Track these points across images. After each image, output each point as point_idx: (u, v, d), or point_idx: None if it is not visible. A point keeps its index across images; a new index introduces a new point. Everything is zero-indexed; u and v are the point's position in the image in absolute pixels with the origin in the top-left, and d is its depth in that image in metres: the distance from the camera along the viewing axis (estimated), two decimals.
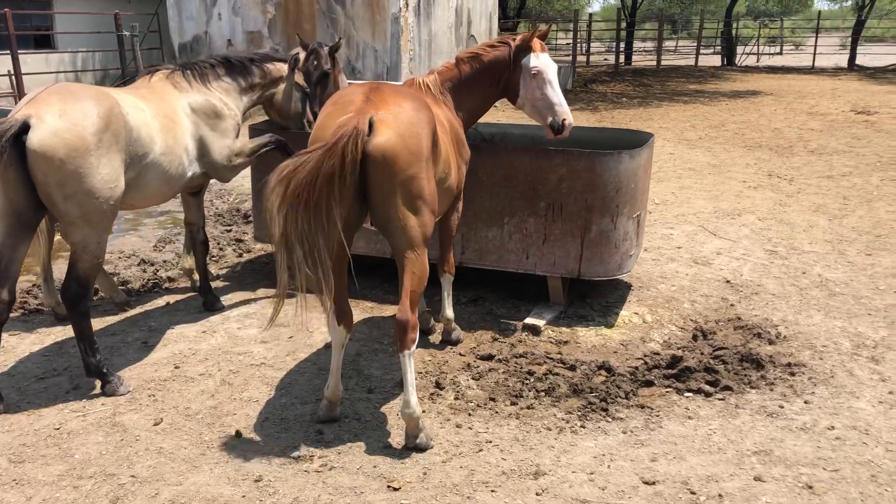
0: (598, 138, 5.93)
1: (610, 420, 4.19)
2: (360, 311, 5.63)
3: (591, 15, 30.86)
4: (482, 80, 4.84)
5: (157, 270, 6.49)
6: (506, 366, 4.82)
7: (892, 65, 28.71)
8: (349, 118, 3.56)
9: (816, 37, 30.54)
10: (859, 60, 29.53)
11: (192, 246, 5.62)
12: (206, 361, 4.84)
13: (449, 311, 5.07)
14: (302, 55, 5.77)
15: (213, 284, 6.03)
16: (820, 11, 32.26)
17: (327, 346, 5.04)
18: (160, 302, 5.82)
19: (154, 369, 4.73)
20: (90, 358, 4.36)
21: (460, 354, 5.00)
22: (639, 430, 4.06)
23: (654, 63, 29.82)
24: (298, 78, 5.68)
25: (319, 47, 6.25)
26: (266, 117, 6.12)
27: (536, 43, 4.78)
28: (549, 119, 4.81)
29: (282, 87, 5.67)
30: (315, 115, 5.76)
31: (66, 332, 5.21)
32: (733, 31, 31.33)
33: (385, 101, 3.71)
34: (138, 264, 6.67)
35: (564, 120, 4.79)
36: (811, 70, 28.23)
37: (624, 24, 29.59)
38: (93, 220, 4.17)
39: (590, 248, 5.24)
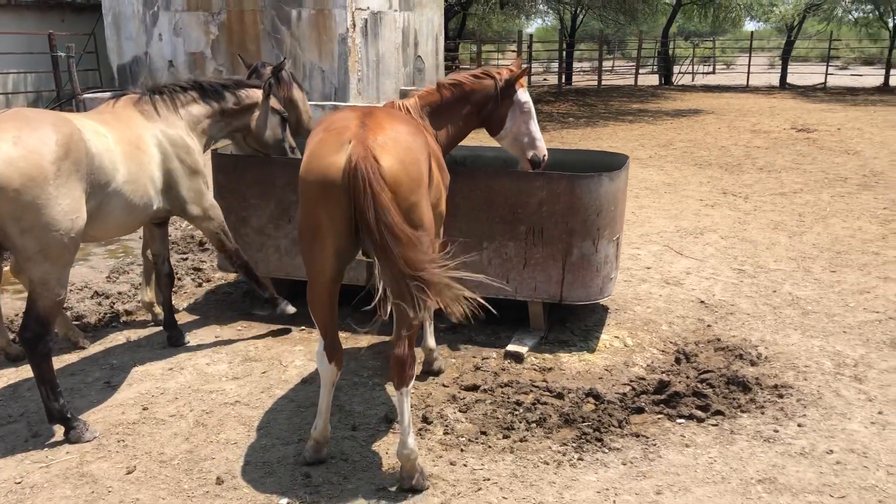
0: (572, 160, 5.85)
1: (607, 451, 4.06)
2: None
3: (531, 35, 31.15)
4: (463, 108, 4.77)
5: (114, 303, 6.15)
6: (492, 396, 4.66)
7: (821, 84, 29.70)
8: (353, 146, 3.37)
9: (750, 56, 31.42)
10: (789, 79, 30.47)
11: (156, 278, 5.33)
12: (176, 401, 4.56)
13: (431, 341, 4.90)
14: (280, 74, 5.61)
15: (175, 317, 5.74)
16: (752, 32, 33.19)
17: (304, 382, 4.81)
18: (120, 338, 5.50)
19: (121, 411, 4.43)
20: (53, 402, 4.05)
21: (443, 385, 4.83)
22: (638, 461, 3.94)
23: (595, 83, 30.26)
24: (275, 103, 5.45)
25: (262, 67, 6.07)
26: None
27: (523, 79, 4.81)
28: (531, 153, 4.95)
29: (256, 114, 5.35)
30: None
31: (19, 373, 4.87)
32: (669, 52, 32.01)
33: (382, 126, 3.54)
34: (92, 297, 6.31)
35: (544, 156, 4.98)
36: (746, 89, 29.01)
37: (563, 45, 29.95)
38: (52, 255, 3.87)
39: (571, 272, 5.13)
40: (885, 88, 28.56)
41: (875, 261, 7.30)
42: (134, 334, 5.56)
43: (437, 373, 4.97)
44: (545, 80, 33.31)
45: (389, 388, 4.77)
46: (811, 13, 28.10)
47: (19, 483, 3.72)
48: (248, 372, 4.94)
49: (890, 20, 31.23)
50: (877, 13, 30.90)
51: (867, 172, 11.61)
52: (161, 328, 5.55)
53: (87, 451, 4.01)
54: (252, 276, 5.34)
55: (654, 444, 4.11)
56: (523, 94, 4.80)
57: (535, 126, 4.89)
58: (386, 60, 17.60)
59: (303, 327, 5.64)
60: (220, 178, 5.67)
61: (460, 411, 4.49)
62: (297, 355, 5.18)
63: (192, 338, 5.42)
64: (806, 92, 27.34)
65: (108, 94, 16.55)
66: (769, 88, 29.20)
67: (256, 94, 5.35)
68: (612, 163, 5.61)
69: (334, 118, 3.69)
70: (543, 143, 4.98)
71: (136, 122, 4.64)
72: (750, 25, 41.86)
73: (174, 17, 17.90)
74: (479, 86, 4.75)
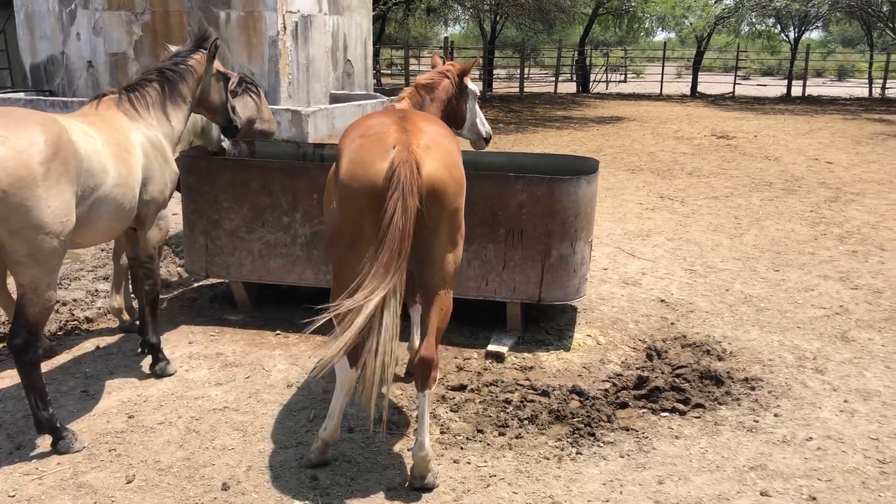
0: (541, 164, 5.98)
1: (602, 445, 4.19)
2: (312, 344, 5.37)
3: (452, 42, 31.41)
4: (436, 107, 4.84)
5: (72, 310, 5.93)
6: (480, 395, 4.73)
7: (729, 93, 31.01)
8: (398, 152, 3.38)
9: (663, 65, 32.56)
10: (698, 88, 31.69)
11: (133, 285, 5.15)
12: (161, 408, 4.44)
13: (418, 342, 4.92)
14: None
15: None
16: (665, 42, 34.40)
17: (289, 386, 4.77)
18: (88, 345, 5.31)
19: (105, 420, 4.29)
20: (42, 412, 3.90)
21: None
22: (635, 454, 4.08)
23: (515, 90, 30.75)
24: (218, 65, 5.29)
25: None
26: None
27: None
28: (484, 132, 5.07)
29: (203, 79, 5.06)
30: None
31: None
32: (587, 60, 32.82)
33: (421, 130, 3.56)
34: None
35: (489, 131, 5.15)
36: (660, 97, 30.01)
37: (483, 52, 30.32)
38: (42, 259, 3.74)
39: (550, 273, 5.26)
40: (787, 98, 30.04)
41: (812, 260, 7.71)
42: (103, 341, 5.37)
43: None
44: None
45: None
46: (721, 24, 29.29)
47: (13, 496, 3.58)
48: (231, 377, 4.86)
49: (791, 33, 32.91)
50: (778, 27, 32.52)
51: (789, 178, 12.21)
52: (132, 333, 5.40)
53: (78, 461, 3.88)
54: (155, 312, 4.89)
55: (647, 437, 4.26)
56: (472, 84, 4.93)
57: (479, 108, 5.05)
58: (316, 64, 17.46)
59: (278, 331, 5.58)
60: (192, 181, 5.55)
61: (452, 411, 4.54)
62: (278, 360, 5.12)
63: (164, 344, 5.28)
64: (716, 100, 28.47)
65: (21, 95, 15.88)
66: (681, 97, 30.27)
67: (203, 59, 5.05)
68: (583, 167, 5.77)
69: (368, 123, 3.66)
70: None
71: (122, 124, 4.49)
72: (660, 36, 43.32)
73: (94, 15, 17.30)
74: (445, 83, 4.81)
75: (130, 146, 4.43)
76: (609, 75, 38.23)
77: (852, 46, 56.02)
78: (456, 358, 5.25)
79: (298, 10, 16.62)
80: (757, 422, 4.45)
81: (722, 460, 4.01)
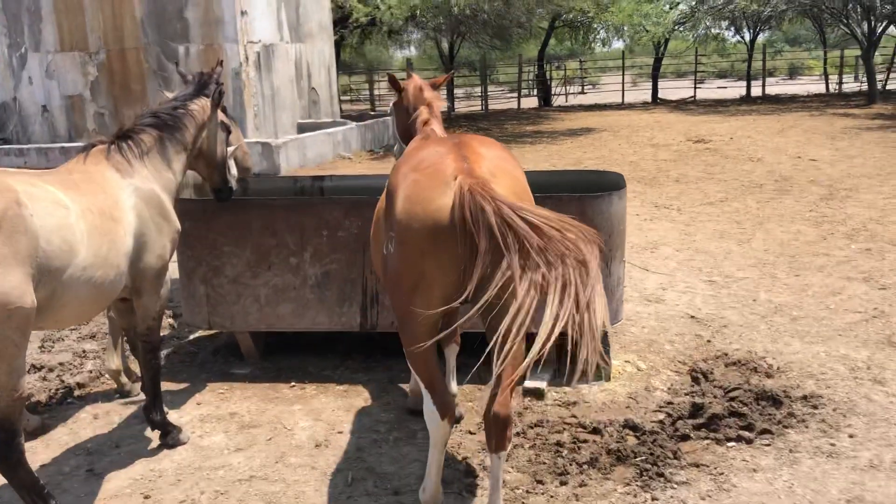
0: (561, 182, 5.62)
1: (676, 486, 3.80)
2: (333, 395, 4.93)
3: (412, 64, 31.17)
4: (438, 123, 4.61)
5: (61, 376, 5.40)
6: (527, 439, 4.32)
7: (690, 97, 31.18)
8: (463, 181, 2.97)
9: (623, 74, 32.66)
10: (657, 95, 31.85)
11: (133, 352, 4.61)
12: (180, 484, 3.96)
13: (454, 387, 4.52)
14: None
15: (138, 386, 5.09)
16: (623, 51, 34.54)
17: (318, 446, 4.31)
18: (84, 416, 4.79)
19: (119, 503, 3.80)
20: None
21: (469, 433, 4.44)
22: (715, 493, 3.70)
23: (478, 108, 30.60)
24: (222, 115, 4.83)
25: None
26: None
27: None
28: None
29: (207, 128, 4.60)
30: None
31: None
32: (547, 74, 32.81)
33: (482, 156, 3.19)
34: (31, 371, 5.52)
35: None
36: (622, 106, 30.04)
37: (444, 72, 30.11)
38: None
39: None
40: (748, 99, 30.29)
41: (829, 262, 7.45)
42: (100, 409, 4.86)
43: (459, 419, 4.58)
44: None
45: (413, 442, 4.34)
46: (678, 30, 29.46)
47: None
48: (251, 441, 4.38)
49: (747, 35, 33.28)
50: (732, 29, 32.87)
51: (778, 178, 12.05)
52: (136, 397, 4.90)
53: None
54: (157, 385, 4.33)
55: (722, 473, 3.88)
56: None
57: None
58: (281, 94, 17.03)
59: (293, 383, 5.11)
60: (187, 226, 5.06)
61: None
62: (300, 416, 4.66)
63: (169, 407, 4.78)
64: (678, 106, 28.57)
65: None
66: (644, 104, 30.35)
67: (206, 106, 4.56)
68: (607, 182, 5.42)
69: (421, 155, 3.27)
70: None
71: (111, 183, 3.95)
72: (615, 45, 43.59)
73: (46, 58, 16.71)
74: (439, 101, 4.62)
75: (119, 212, 3.87)
76: (567, 88, 38.32)
77: (798, 45, 57.01)
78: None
79: (260, 40, 16.21)
80: (834, 445, 4.09)
81: (814, 494, 3.64)
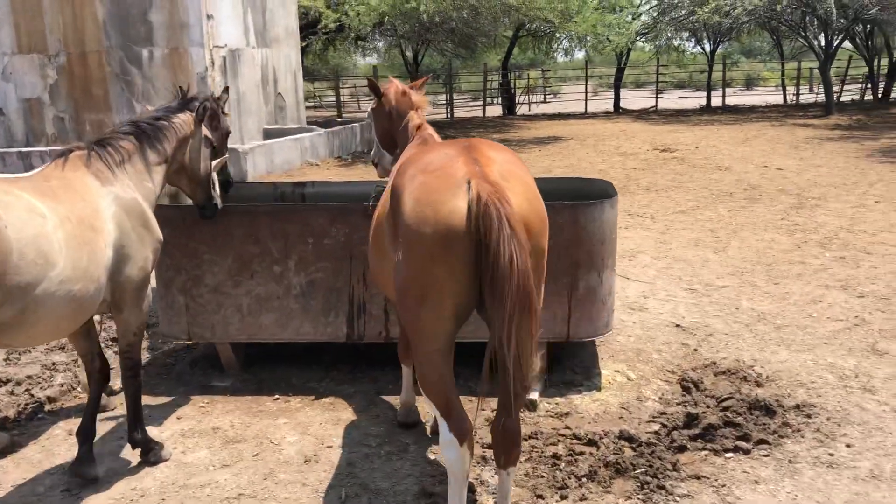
0: (546, 189, 5.53)
1: (678, 499, 3.74)
2: (319, 407, 4.78)
3: (377, 70, 31.01)
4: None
5: (29, 389, 5.16)
6: (522, 452, 4.20)
7: (652, 107, 31.50)
8: (478, 185, 2.85)
9: (586, 84, 32.87)
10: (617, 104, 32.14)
11: (87, 375, 4.25)
12: None
13: None
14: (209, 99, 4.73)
15: (116, 402, 4.89)
16: (586, 61, 34.79)
17: (308, 461, 4.15)
18: (58, 432, 4.58)
19: None
20: None
21: None
22: None
23: (443, 116, 30.52)
24: (206, 131, 4.67)
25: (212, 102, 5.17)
26: None
27: None
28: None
29: (190, 143, 4.46)
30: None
31: None
32: (511, 83, 32.90)
33: (492, 159, 3.06)
34: None
35: None
36: (585, 115, 30.22)
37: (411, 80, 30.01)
38: None
39: (578, 307, 4.80)
40: (708, 109, 30.69)
41: (806, 270, 7.50)
42: (74, 425, 4.60)
43: None
44: None
45: (406, 456, 4.22)
46: (640, 41, 29.77)
47: None
48: (237, 457, 4.21)
49: (707, 46, 33.76)
50: (693, 40, 33.33)
51: (746, 186, 12.16)
52: (112, 412, 4.70)
53: None
54: (138, 403, 4.14)
55: (723, 485, 3.83)
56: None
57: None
58: (247, 99, 16.77)
59: (276, 396, 4.94)
60: (166, 233, 4.84)
61: (496, 475, 4.01)
62: (286, 430, 4.50)
63: (148, 422, 4.57)
64: (641, 115, 28.83)
65: None
66: (606, 113, 30.56)
67: (189, 121, 4.43)
68: (593, 189, 5.37)
69: (428, 158, 3.13)
70: None
71: (90, 191, 3.76)
72: (577, 55, 43.84)
73: (2, 60, 16.22)
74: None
75: (99, 221, 3.69)
76: (530, 97, 38.48)
77: (754, 57, 58.08)
78: (484, 409, 4.72)
79: (226, 45, 15.95)
80: (832, 455, 4.06)
81: None
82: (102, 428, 4.60)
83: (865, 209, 10.15)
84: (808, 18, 25.31)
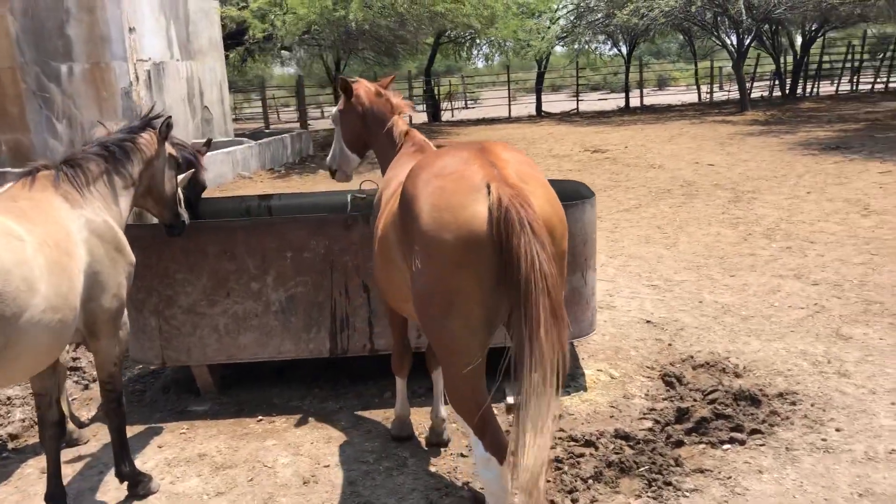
0: None
1: (688, 494, 3.76)
2: (307, 426, 4.64)
3: (302, 78, 30.57)
4: None
5: None
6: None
7: (573, 110, 32.04)
8: (499, 188, 2.77)
9: (509, 89, 33.20)
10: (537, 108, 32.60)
11: (39, 427, 3.80)
12: None
13: (444, 410, 4.33)
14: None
15: (88, 434, 4.63)
16: (508, 66, 35.13)
17: (306, 483, 4.02)
18: (28, 471, 4.30)
19: None
20: None
21: (462, 455, 4.27)
22: (731, 499, 3.68)
23: None
24: (171, 148, 4.47)
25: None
26: None
27: None
28: None
29: (155, 164, 4.23)
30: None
31: None
32: (434, 89, 32.98)
33: (507, 161, 2.98)
34: None
35: None
36: (510, 119, 30.51)
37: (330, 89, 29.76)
38: None
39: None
40: (628, 110, 31.42)
41: (758, 261, 7.71)
42: (44, 462, 4.36)
43: (446, 443, 4.39)
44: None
45: (405, 470, 4.12)
46: (560, 44, 30.27)
47: None
48: (231, 483, 4.04)
49: (623, 47, 34.57)
50: (610, 43, 34.10)
51: (682, 183, 12.46)
52: (83, 446, 4.44)
53: None
54: (123, 435, 3.90)
55: (729, 477, 3.87)
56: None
57: None
58: (174, 113, 16.24)
59: (259, 417, 4.77)
60: (136, 254, 4.63)
61: None
62: (277, 452, 4.34)
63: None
64: (563, 118, 29.28)
65: None
66: (529, 117, 30.92)
67: (153, 139, 4.21)
68: (567, 190, 5.37)
69: (442, 162, 3.00)
70: None
71: (61, 213, 3.51)
72: (496, 60, 44.22)
73: None
74: None
75: (72, 245, 3.45)
76: (452, 103, 38.67)
77: (663, 58, 59.78)
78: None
79: (150, 58, 15.46)
80: (825, 440, 4.16)
81: (826, 491, 3.67)
82: (78, 463, 4.35)
83: (799, 200, 10.52)
84: (720, 18, 26.21)
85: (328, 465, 4.16)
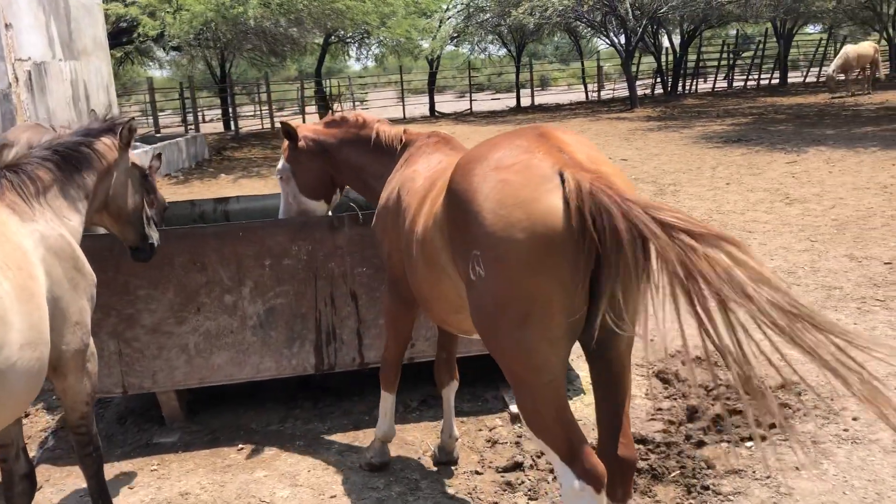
0: None
1: (732, 498, 3.57)
2: (297, 452, 4.16)
3: (188, 82, 29.24)
4: None
5: None
6: (541, 472, 3.90)
7: (467, 109, 32.09)
8: (576, 175, 2.39)
9: (402, 89, 32.87)
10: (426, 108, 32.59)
11: (4, 484, 3.24)
12: None
13: (456, 431, 3.98)
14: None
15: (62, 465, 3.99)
16: (401, 67, 34.80)
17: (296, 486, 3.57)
18: None
19: None
20: None
21: (476, 473, 3.94)
22: (780, 500, 3.50)
23: (259, 128, 29.43)
24: (134, 157, 3.89)
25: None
26: None
27: None
28: None
29: (114, 175, 3.62)
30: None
31: None
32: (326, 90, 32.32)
33: (570, 144, 2.58)
34: None
35: None
36: (405, 120, 30.22)
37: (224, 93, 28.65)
38: None
39: None
40: (519, 109, 31.75)
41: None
42: None
43: (456, 461, 4.04)
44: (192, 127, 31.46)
45: (419, 492, 3.75)
46: (451, 44, 30.26)
47: None
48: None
49: (512, 48, 34.94)
50: (499, 42, 34.41)
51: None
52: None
53: None
54: (102, 481, 3.36)
55: (769, 477, 3.71)
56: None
57: None
58: (58, 117, 15.05)
59: (240, 445, 4.26)
60: (92, 268, 4.06)
61: (531, 499, 3.67)
62: (271, 483, 3.86)
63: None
64: (459, 118, 29.25)
65: None
66: (424, 118, 30.73)
67: (114, 146, 3.60)
68: None
69: (497, 153, 2.59)
70: None
71: (11, 229, 2.90)
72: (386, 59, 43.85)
73: None
74: None
75: (32, 267, 2.85)
76: (342, 105, 38.07)
77: (543, 58, 61.11)
78: (480, 430, 4.35)
79: (30, 58, 14.24)
80: (847, 430, 4.07)
81: (872, 484, 3.55)
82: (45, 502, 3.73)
83: (721, 191, 10.72)
84: (608, 18, 26.84)
85: (335, 496, 3.72)
